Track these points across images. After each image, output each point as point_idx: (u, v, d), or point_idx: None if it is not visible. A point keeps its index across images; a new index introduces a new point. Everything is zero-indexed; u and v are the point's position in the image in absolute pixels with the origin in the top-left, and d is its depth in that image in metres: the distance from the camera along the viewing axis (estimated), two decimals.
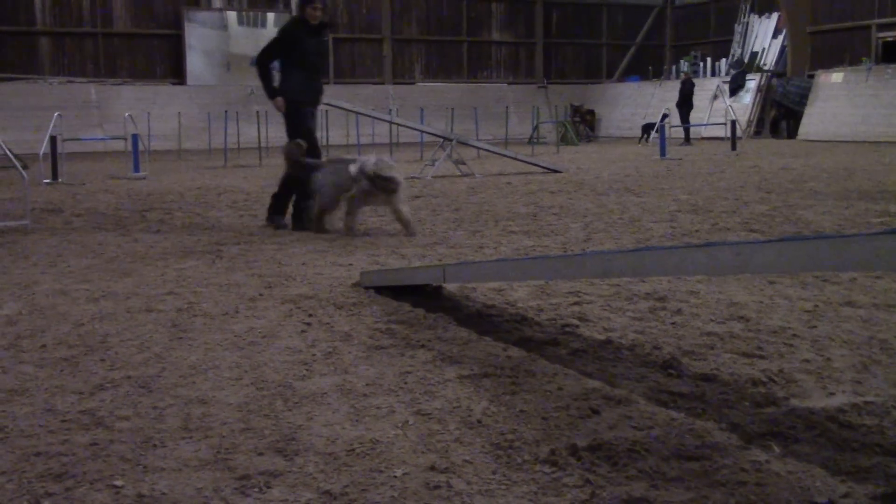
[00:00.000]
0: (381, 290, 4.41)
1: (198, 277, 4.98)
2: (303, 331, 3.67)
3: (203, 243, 6.36)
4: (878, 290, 4.26)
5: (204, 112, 22.10)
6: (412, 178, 12.62)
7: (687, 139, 22.07)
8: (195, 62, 27.38)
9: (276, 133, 21.22)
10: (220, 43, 27.79)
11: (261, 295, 4.45)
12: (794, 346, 3.31)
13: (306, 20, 7.28)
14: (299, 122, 7.27)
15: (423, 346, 3.39)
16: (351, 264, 5.31)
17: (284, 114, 7.34)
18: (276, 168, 15.62)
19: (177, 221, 7.84)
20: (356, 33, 29.23)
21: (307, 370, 3.10)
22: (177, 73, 27.05)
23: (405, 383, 2.92)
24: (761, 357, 3.18)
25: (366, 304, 4.14)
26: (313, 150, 7.30)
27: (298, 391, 2.86)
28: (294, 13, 7.33)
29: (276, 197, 7.50)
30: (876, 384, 2.84)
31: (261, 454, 2.33)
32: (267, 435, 2.47)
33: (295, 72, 7.29)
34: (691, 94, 22.99)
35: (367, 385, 2.91)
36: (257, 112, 18.69)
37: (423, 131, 15.55)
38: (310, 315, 3.95)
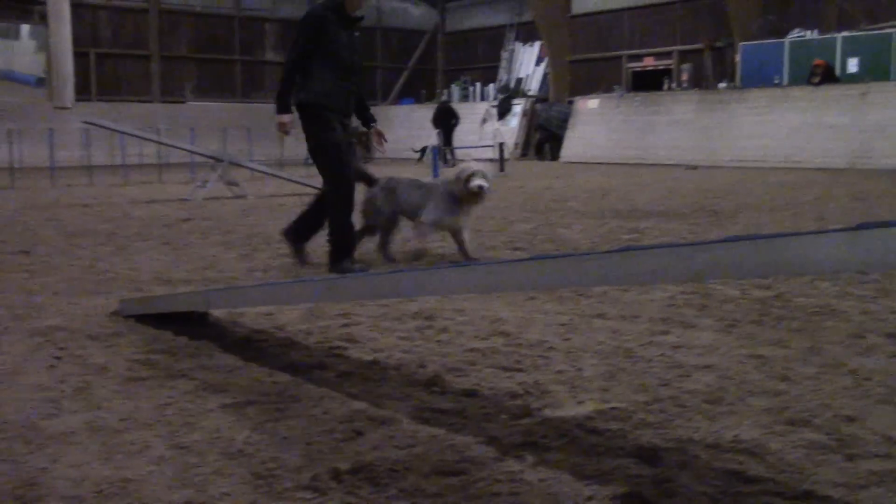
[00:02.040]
0: (142, 318, 4.20)
1: None
2: (52, 366, 3.42)
3: None
4: (625, 303, 4.58)
5: None
6: (182, 200, 12.21)
7: (453, 159, 22.69)
8: None
9: (32, 152, 19.83)
10: None
11: (6, 328, 4.11)
12: (549, 359, 3.49)
13: (342, 7, 5.69)
14: (324, 134, 5.68)
15: (184, 375, 3.26)
16: (110, 292, 5.03)
17: (307, 124, 5.75)
18: (29, 191, 14.57)
19: None
20: (121, 48, 27.92)
21: (55, 408, 2.89)
22: None
23: (163, 416, 2.80)
24: (519, 370, 3.32)
25: (124, 335, 3.93)
26: (343, 169, 5.75)
27: (43, 431, 2.66)
28: None
29: (304, 219, 6.11)
30: (621, 391, 3.04)
31: None
32: (4, 482, 2.27)
33: (322, 71, 5.65)
34: (449, 117, 23.50)
35: (121, 420, 2.75)
36: (9, 130, 17.37)
37: (193, 152, 15.09)
38: (61, 348, 3.69)
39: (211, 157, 13.63)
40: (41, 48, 26.34)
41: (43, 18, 25.72)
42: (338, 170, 5.70)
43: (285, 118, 5.74)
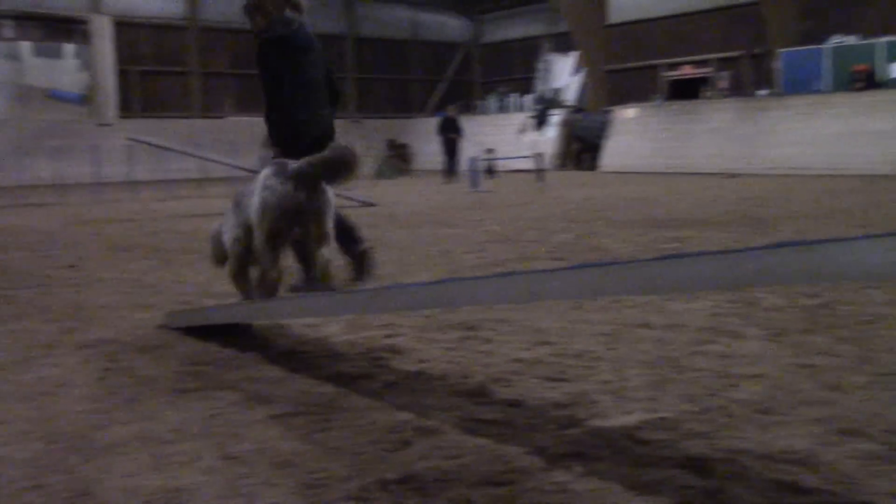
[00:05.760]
0: (188, 330, 4.25)
1: None
2: (102, 377, 3.47)
3: None
4: (670, 312, 4.54)
5: None
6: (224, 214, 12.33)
7: (450, 174, 21.88)
8: None
9: (77, 169, 20.19)
10: (12, 74, 26.18)
11: (56, 341, 4.18)
12: (594, 368, 3.46)
13: None
14: None
15: (231, 387, 3.29)
16: (156, 305, 5.09)
17: None
18: (74, 207, 14.83)
19: None
20: (162, 65, 28.36)
21: (106, 419, 2.93)
22: None
23: (211, 427, 2.82)
24: (565, 380, 3.30)
25: (171, 347, 3.98)
26: None
27: (95, 442, 2.70)
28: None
29: None
30: (668, 400, 3.01)
31: None
32: (58, 491, 2.31)
33: None
34: (455, 128, 22.36)
35: (170, 431, 2.78)
36: (54, 147, 17.71)
37: (234, 166, 15.25)
38: (110, 360, 3.75)
39: (252, 171, 13.75)
40: (84, 66, 26.86)
41: (86, 37, 26.24)
42: None
43: None
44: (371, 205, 13.36)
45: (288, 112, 5.18)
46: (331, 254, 4.15)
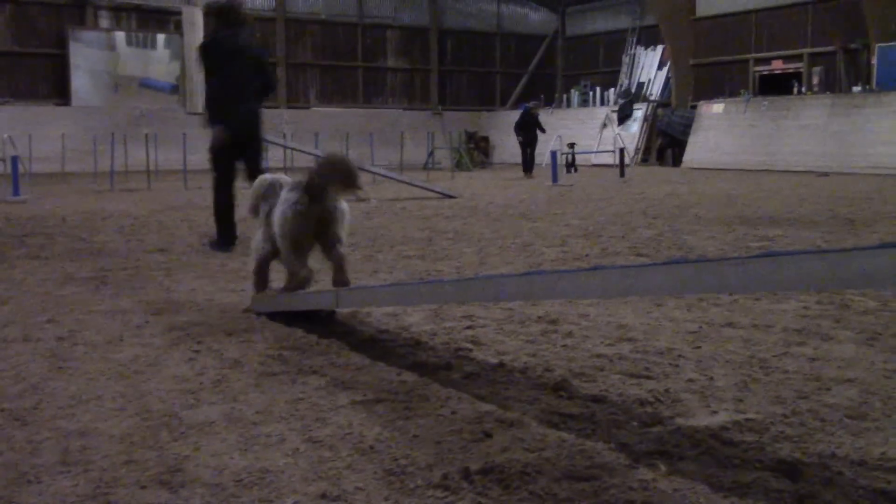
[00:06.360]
0: (273, 315, 4.34)
1: (80, 304, 4.78)
2: (191, 358, 3.57)
3: (86, 269, 6.13)
4: (757, 312, 4.43)
5: (89, 134, 21.39)
6: None
7: (528, 169, 21.17)
8: (80, 83, 26.53)
9: (167, 156, 20.76)
10: (108, 64, 27.03)
11: (147, 322, 4.31)
12: (679, 367, 3.40)
13: None
14: None
15: (315, 372, 3.34)
16: (242, 290, 5.20)
17: None
18: (164, 193, 15.26)
19: (58, 247, 7.53)
20: None
21: (195, 399, 3.01)
22: (61, 94, 26.15)
23: (296, 410, 2.87)
24: (648, 378, 3.25)
25: (257, 331, 4.06)
26: None
27: (185, 421, 2.77)
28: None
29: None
30: (756, 402, 2.94)
31: (144, 487, 2.24)
32: (151, 467, 2.38)
33: None
34: (533, 124, 21.50)
35: (256, 413, 2.84)
36: (146, 135, 18.25)
37: (318, 156, 15.46)
38: (198, 342, 3.84)
39: None
40: (176, 56, 27.57)
41: (178, 28, 26.92)
42: None
43: None
44: (451, 197, 13.39)
45: (212, 98, 7.18)
46: (344, 250, 4.46)
